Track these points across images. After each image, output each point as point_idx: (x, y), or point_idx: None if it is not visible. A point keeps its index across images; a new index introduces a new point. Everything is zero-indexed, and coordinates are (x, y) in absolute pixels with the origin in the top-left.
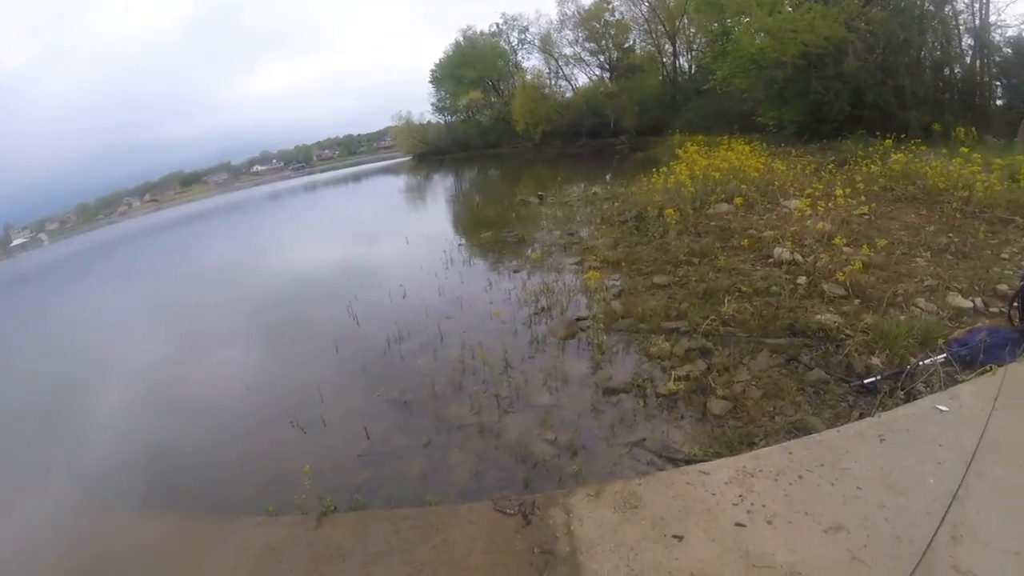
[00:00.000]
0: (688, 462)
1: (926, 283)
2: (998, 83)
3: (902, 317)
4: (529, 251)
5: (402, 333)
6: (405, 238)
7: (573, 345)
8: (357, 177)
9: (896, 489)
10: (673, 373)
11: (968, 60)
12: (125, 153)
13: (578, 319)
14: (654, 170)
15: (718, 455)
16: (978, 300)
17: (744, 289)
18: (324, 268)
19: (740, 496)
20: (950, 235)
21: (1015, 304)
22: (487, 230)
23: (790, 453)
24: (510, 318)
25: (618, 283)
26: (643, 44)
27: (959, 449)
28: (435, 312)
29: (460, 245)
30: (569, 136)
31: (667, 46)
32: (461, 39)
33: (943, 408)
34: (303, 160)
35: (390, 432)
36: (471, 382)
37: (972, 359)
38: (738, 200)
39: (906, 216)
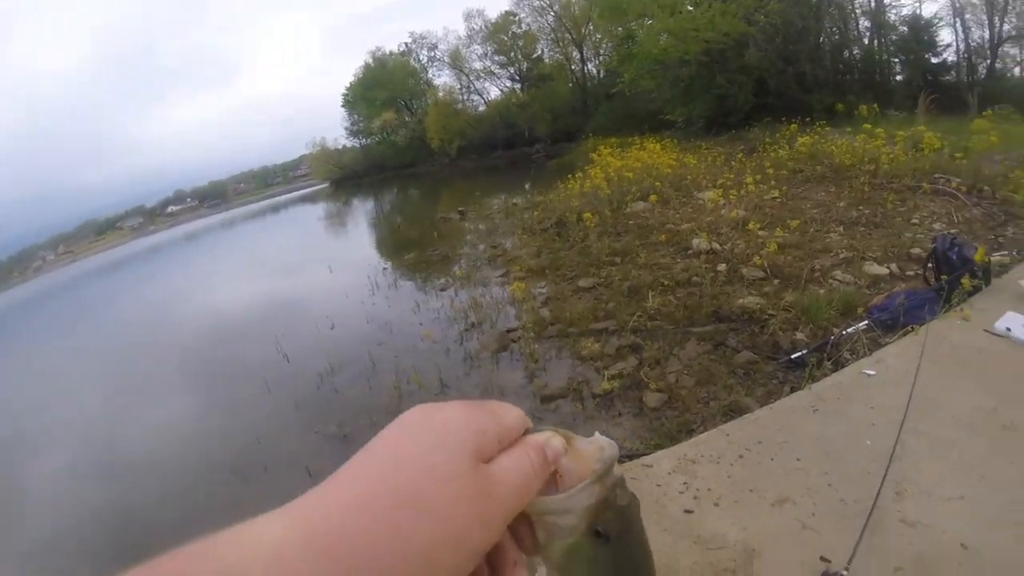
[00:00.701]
0: (631, 457)
1: (842, 256)
2: (896, 60)
3: (821, 291)
4: (454, 268)
5: (333, 365)
6: (328, 267)
7: (506, 357)
8: (275, 209)
9: (835, 456)
10: (606, 373)
11: (866, 41)
12: (36, 203)
13: (508, 331)
14: (570, 176)
15: (659, 446)
16: (893, 266)
17: (666, 282)
18: (249, 306)
19: (685, 484)
20: (860, 208)
21: (930, 265)
22: (410, 251)
23: (728, 435)
24: (441, 337)
25: (544, 291)
26: (551, 53)
27: (891, 409)
28: (365, 340)
29: (384, 269)
30: (485, 149)
31: (575, 53)
32: (371, 60)
33: (870, 372)
34: (218, 196)
35: (332, 469)
36: (409, 407)
37: (893, 322)
38: (653, 197)
39: (817, 195)
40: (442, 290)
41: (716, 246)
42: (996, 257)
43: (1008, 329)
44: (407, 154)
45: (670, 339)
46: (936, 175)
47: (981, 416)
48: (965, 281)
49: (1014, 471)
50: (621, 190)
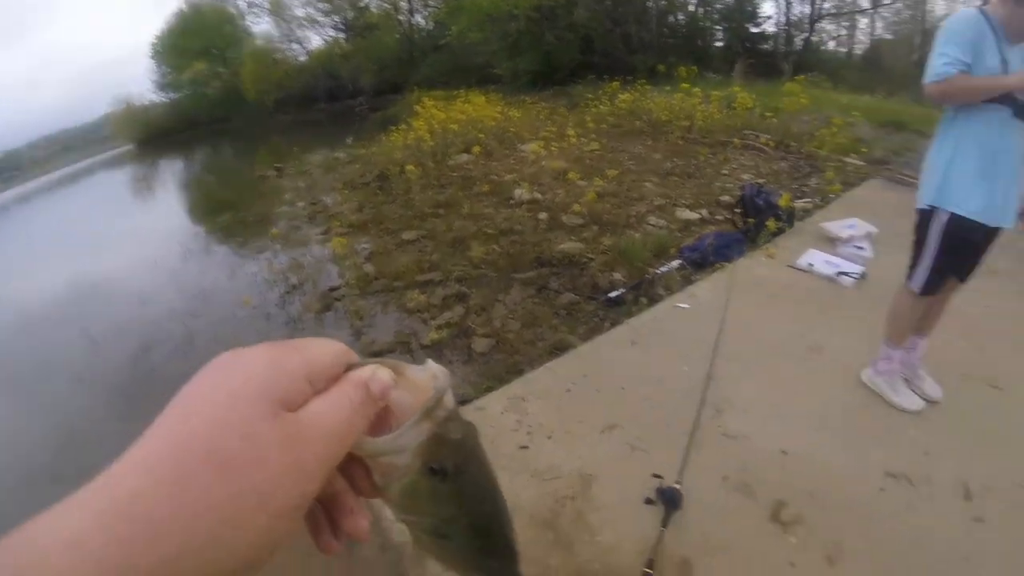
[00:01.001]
0: (463, 403)
1: (656, 203)
2: (718, 28)
3: (637, 235)
4: (273, 228)
5: (147, 345)
6: (134, 238)
7: (331, 317)
8: (75, 178)
9: (656, 382)
10: (433, 323)
11: (692, 8)
12: None
13: (331, 289)
14: (393, 128)
15: (490, 389)
16: (704, 211)
17: (490, 232)
18: (48, 291)
19: (518, 421)
20: (675, 160)
21: (737, 210)
22: (225, 213)
23: (554, 372)
24: (261, 302)
25: (368, 246)
26: (379, 2)
27: (704, 337)
28: (179, 313)
29: (197, 234)
30: (305, 102)
31: (403, 3)
32: (185, 6)
33: (684, 306)
34: (14, 167)
35: None
36: None
37: (703, 260)
38: (476, 149)
39: (634, 148)
40: (260, 253)
41: (538, 196)
42: (800, 203)
43: (811, 264)
44: (221, 108)
45: (495, 286)
46: (747, 131)
47: (788, 340)
48: (770, 223)
49: (820, 385)
50: (445, 142)
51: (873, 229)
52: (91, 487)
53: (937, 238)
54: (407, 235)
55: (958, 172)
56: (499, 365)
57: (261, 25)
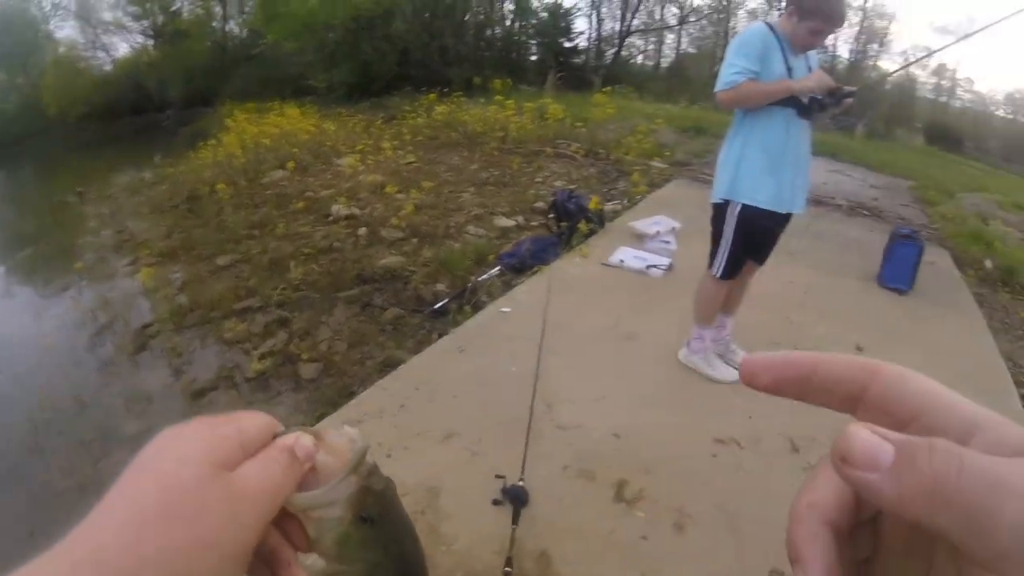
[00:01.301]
0: None
1: (474, 212)
2: (533, 42)
3: (457, 245)
4: (77, 262)
5: None
6: None
7: (146, 356)
8: None
9: (488, 385)
10: (255, 353)
11: (508, 23)
12: None
13: (144, 327)
14: (203, 144)
15: (323, 415)
16: (520, 218)
17: (308, 251)
18: None
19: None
20: (491, 170)
21: (551, 215)
22: (26, 247)
23: (386, 389)
24: (69, 347)
25: (180, 275)
26: (191, 7)
27: (528, 337)
28: None
29: None
30: (110, 117)
31: (217, 8)
32: None
33: (506, 309)
34: None
35: None
36: (49, 438)
37: (522, 265)
38: (290, 164)
39: (451, 159)
40: (63, 291)
41: (356, 211)
42: (609, 206)
43: (621, 261)
44: (17, 124)
45: (318, 308)
46: (559, 141)
47: (606, 331)
48: (582, 226)
49: (639, 370)
50: (258, 158)
51: (677, 224)
52: (64, 543)
53: (732, 228)
54: (221, 260)
55: (747, 167)
56: (330, 389)
57: (65, 31)
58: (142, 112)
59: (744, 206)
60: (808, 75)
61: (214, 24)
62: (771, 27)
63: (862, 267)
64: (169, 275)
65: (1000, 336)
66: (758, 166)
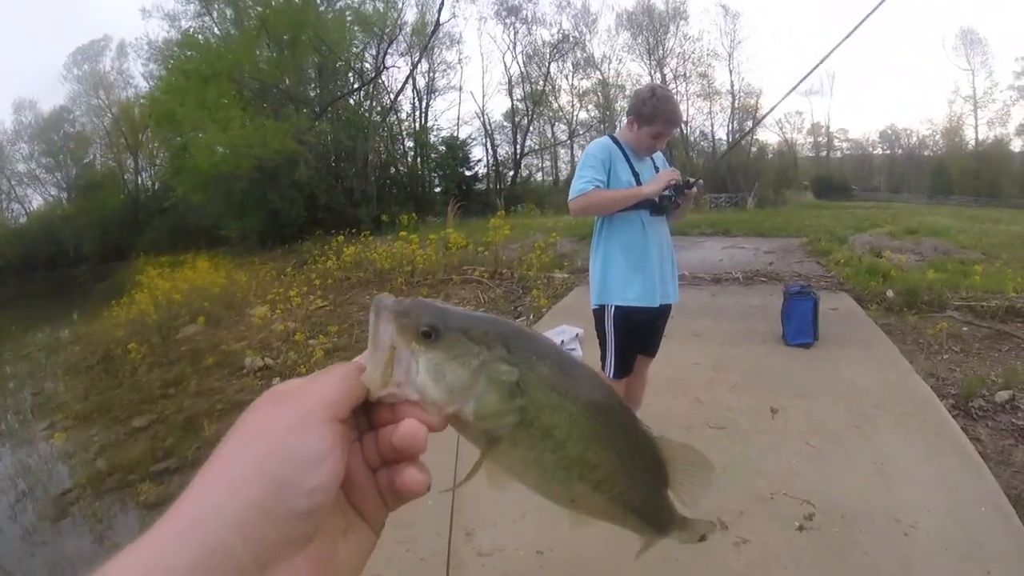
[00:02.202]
0: None
1: None
2: (436, 174)
3: None
4: None
5: None
6: None
7: (68, 523)
8: None
9: (406, 523)
10: None
11: (410, 159)
12: None
13: (64, 493)
14: (115, 301)
15: None
16: None
17: (222, 406)
18: None
19: None
20: None
21: None
22: None
23: None
24: None
25: (97, 438)
26: (104, 159)
27: (444, 466)
28: None
29: None
30: (26, 270)
31: (129, 161)
32: None
33: None
34: None
35: None
36: None
37: None
38: (200, 319)
39: (362, 299)
40: None
41: (269, 361)
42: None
43: None
44: None
45: None
46: (464, 267)
47: None
48: None
49: None
50: (171, 314)
51: (580, 331)
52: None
53: (612, 329)
54: (137, 421)
55: (613, 271)
56: None
57: None
58: (58, 266)
59: (617, 307)
60: (655, 177)
61: (126, 176)
62: (614, 139)
63: (767, 331)
64: (87, 438)
65: (917, 355)
66: (623, 268)
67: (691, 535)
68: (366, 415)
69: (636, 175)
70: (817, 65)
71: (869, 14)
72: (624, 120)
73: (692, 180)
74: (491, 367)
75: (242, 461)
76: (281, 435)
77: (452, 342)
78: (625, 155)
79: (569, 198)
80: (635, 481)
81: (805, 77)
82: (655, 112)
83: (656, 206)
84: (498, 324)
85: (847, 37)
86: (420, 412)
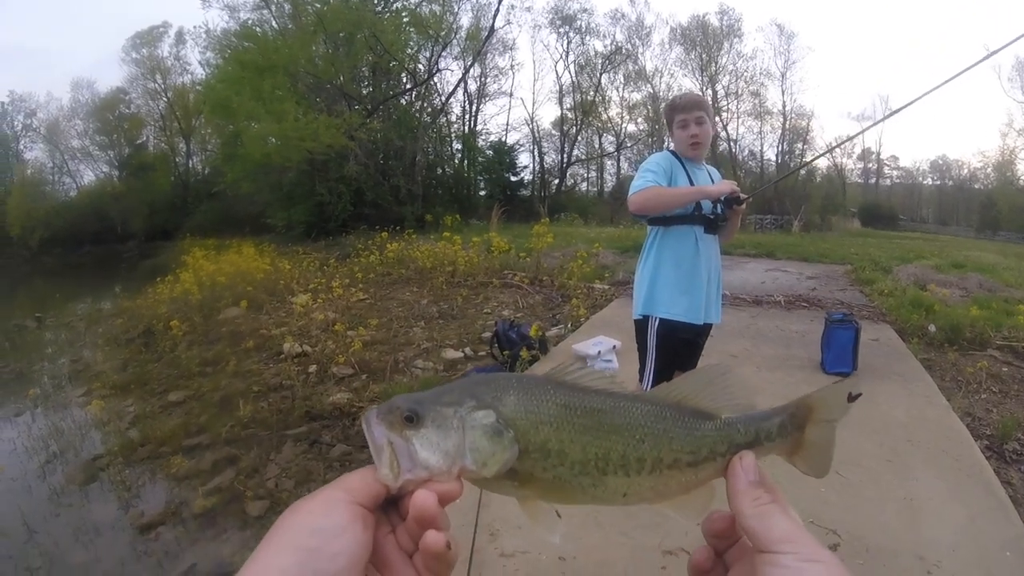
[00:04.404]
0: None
1: (423, 346)
2: (481, 178)
3: (405, 380)
4: (31, 388)
5: None
6: None
7: (96, 488)
8: None
9: None
10: (201, 490)
11: (457, 161)
12: None
13: (95, 458)
14: (160, 279)
15: None
16: (467, 350)
17: (257, 389)
18: None
19: None
20: (440, 304)
21: (495, 344)
22: None
23: None
24: (20, 474)
25: (132, 408)
26: (157, 141)
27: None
28: None
29: None
30: (73, 243)
31: (181, 145)
32: None
33: None
34: None
35: None
36: None
37: None
38: (243, 303)
39: (402, 295)
40: (16, 416)
41: (307, 348)
42: (553, 331)
43: None
44: None
45: (266, 445)
46: (505, 272)
47: None
48: (524, 353)
49: None
50: (213, 295)
51: (617, 343)
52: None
53: (654, 342)
54: (173, 396)
55: (662, 283)
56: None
57: (33, 152)
58: (104, 242)
59: (662, 320)
60: (719, 180)
61: (177, 160)
62: (670, 151)
63: (806, 357)
64: (122, 408)
65: (955, 394)
66: (672, 282)
67: (831, 405)
68: (398, 510)
69: (692, 183)
70: (886, 117)
71: (961, 72)
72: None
73: (743, 196)
74: (468, 418)
75: (277, 541)
76: (306, 515)
77: (432, 415)
78: (683, 166)
79: (629, 194)
80: (659, 440)
81: (874, 124)
82: (674, 104)
83: (710, 222)
84: (463, 384)
85: (928, 93)
86: (436, 485)
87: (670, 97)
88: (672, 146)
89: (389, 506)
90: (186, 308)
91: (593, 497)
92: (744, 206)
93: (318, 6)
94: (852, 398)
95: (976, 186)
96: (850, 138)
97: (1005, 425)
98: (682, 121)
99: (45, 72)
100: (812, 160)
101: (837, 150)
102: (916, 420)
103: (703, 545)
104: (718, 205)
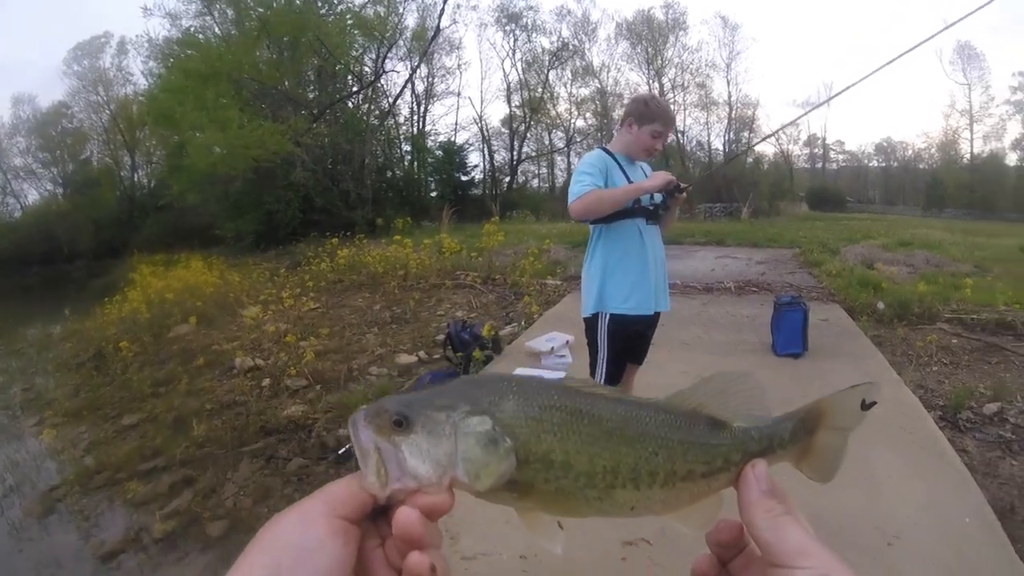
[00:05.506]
0: None
1: (377, 353)
2: (431, 179)
3: (359, 387)
4: None
5: None
6: None
7: (55, 520)
8: None
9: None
10: (159, 514)
11: (406, 163)
12: None
13: (52, 489)
14: (108, 299)
15: None
16: (421, 353)
17: (211, 407)
18: None
19: None
20: (393, 308)
21: (448, 346)
22: None
23: None
24: None
25: (86, 435)
26: (101, 156)
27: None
28: None
29: None
30: (19, 265)
31: (126, 158)
32: None
33: None
34: None
35: None
36: None
37: None
38: (192, 319)
39: (355, 301)
40: None
41: (260, 362)
42: (507, 329)
43: None
44: None
45: (222, 464)
46: (458, 272)
47: None
48: (477, 353)
49: None
50: (163, 313)
51: (571, 338)
52: None
53: (605, 337)
54: (127, 419)
55: (610, 280)
56: (238, 547)
57: None
58: (52, 263)
59: (612, 315)
60: (652, 175)
61: (123, 174)
62: (606, 150)
63: (757, 341)
64: (76, 435)
65: (906, 368)
66: (620, 277)
67: (843, 412)
68: (388, 521)
69: (629, 181)
70: (832, 97)
71: (903, 53)
72: (616, 131)
73: (683, 185)
74: (462, 424)
75: (250, 559)
76: (282, 530)
77: (423, 420)
78: (619, 164)
79: (569, 202)
80: (674, 452)
81: (817, 107)
82: (656, 112)
83: (651, 213)
84: (459, 386)
85: (871, 74)
86: (426, 498)
87: (647, 95)
88: (610, 144)
89: (379, 515)
90: (135, 328)
91: (598, 510)
92: (684, 195)
93: (261, 10)
94: (866, 406)
95: (921, 166)
96: (791, 123)
97: (957, 395)
98: (657, 132)
99: None
100: (744, 151)
101: (784, 137)
102: None
103: (706, 554)
104: (656, 195)
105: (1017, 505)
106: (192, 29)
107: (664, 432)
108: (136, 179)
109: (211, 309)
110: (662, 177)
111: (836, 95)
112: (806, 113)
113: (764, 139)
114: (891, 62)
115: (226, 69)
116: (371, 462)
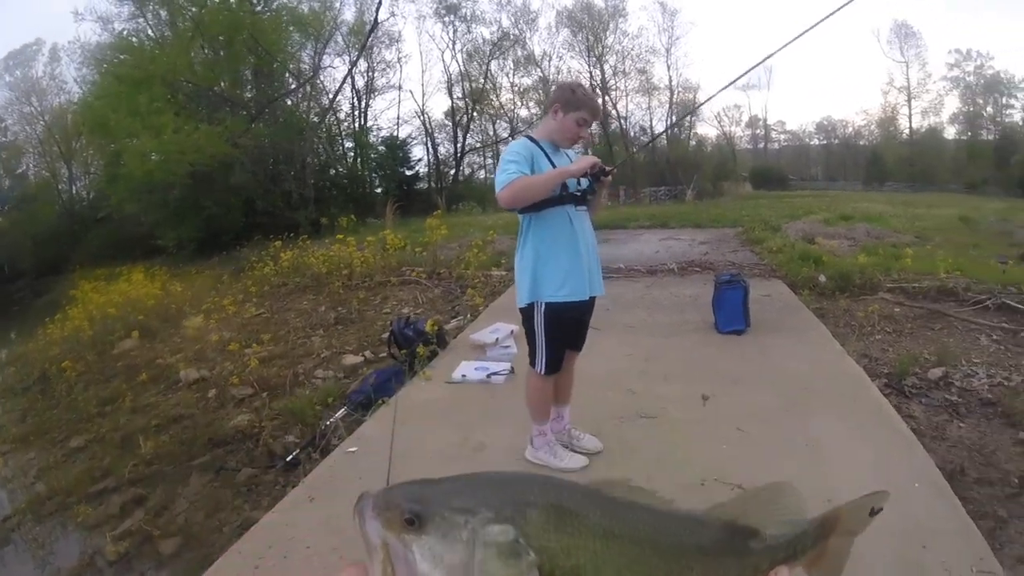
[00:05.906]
0: None
1: (322, 355)
2: (376, 175)
3: (307, 392)
4: None
5: None
6: None
7: (11, 551)
8: None
9: (338, 532)
10: (111, 536)
11: (349, 160)
12: None
13: (5, 519)
14: (51, 318)
15: None
16: (368, 353)
17: (157, 423)
18: None
19: None
20: (339, 309)
21: (392, 344)
22: None
23: (241, 551)
24: None
25: (36, 461)
26: (37, 169)
27: (378, 472)
28: None
29: None
30: None
31: (63, 170)
32: None
33: (352, 449)
34: None
35: None
36: None
37: (368, 401)
38: (135, 333)
39: (300, 304)
40: None
41: (204, 373)
42: (452, 323)
43: (463, 376)
44: None
45: (172, 479)
46: (403, 268)
47: (455, 448)
48: (421, 349)
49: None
50: (105, 329)
51: (515, 327)
52: None
53: (543, 326)
54: (75, 442)
55: (543, 268)
56: (193, 562)
57: None
58: None
59: (548, 304)
60: (577, 158)
61: (60, 187)
62: (531, 138)
63: (699, 321)
64: (26, 462)
65: (849, 338)
66: (553, 264)
67: (855, 519)
68: None
69: (554, 167)
70: (759, 63)
71: (821, 20)
72: (541, 118)
73: (608, 168)
74: (481, 533)
75: None
76: None
77: (438, 522)
78: (544, 152)
79: (497, 191)
80: (709, 567)
81: (746, 73)
82: (582, 100)
83: (579, 199)
84: (481, 484)
85: (795, 39)
86: None
87: (574, 82)
88: (535, 132)
89: None
90: (79, 346)
91: None
92: (610, 177)
93: (195, 10)
94: (874, 512)
95: (861, 143)
96: (712, 96)
97: (902, 362)
98: (583, 120)
99: None
100: (667, 129)
101: (725, 119)
102: (812, 368)
103: None
104: (582, 180)
105: (967, 466)
106: (125, 32)
107: (702, 545)
108: (75, 191)
109: (154, 322)
110: (587, 160)
111: (764, 60)
112: (731, 83)
113: (696, 108)
114: (814, 27)
115: (160, 72)
116: (378, 559)
